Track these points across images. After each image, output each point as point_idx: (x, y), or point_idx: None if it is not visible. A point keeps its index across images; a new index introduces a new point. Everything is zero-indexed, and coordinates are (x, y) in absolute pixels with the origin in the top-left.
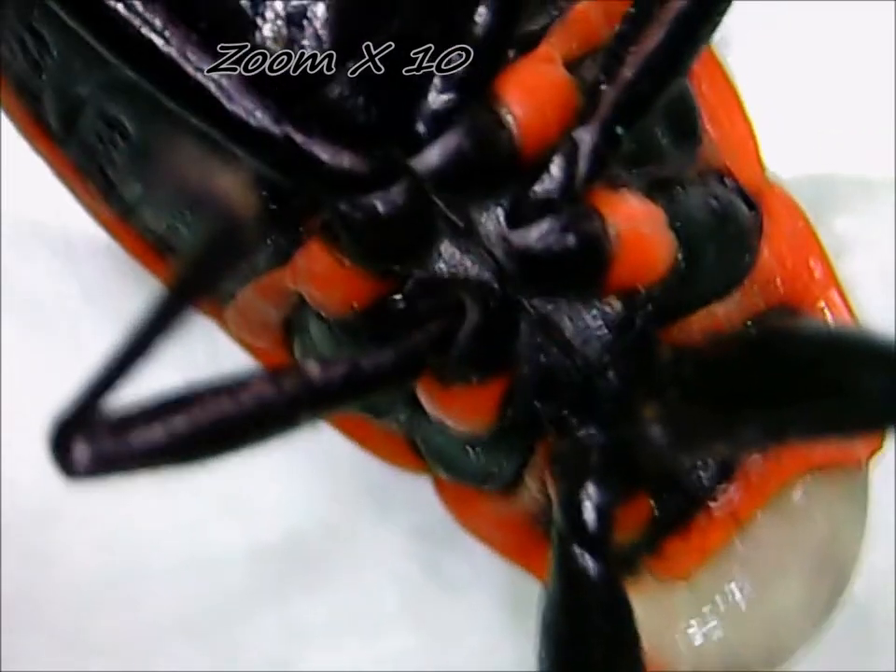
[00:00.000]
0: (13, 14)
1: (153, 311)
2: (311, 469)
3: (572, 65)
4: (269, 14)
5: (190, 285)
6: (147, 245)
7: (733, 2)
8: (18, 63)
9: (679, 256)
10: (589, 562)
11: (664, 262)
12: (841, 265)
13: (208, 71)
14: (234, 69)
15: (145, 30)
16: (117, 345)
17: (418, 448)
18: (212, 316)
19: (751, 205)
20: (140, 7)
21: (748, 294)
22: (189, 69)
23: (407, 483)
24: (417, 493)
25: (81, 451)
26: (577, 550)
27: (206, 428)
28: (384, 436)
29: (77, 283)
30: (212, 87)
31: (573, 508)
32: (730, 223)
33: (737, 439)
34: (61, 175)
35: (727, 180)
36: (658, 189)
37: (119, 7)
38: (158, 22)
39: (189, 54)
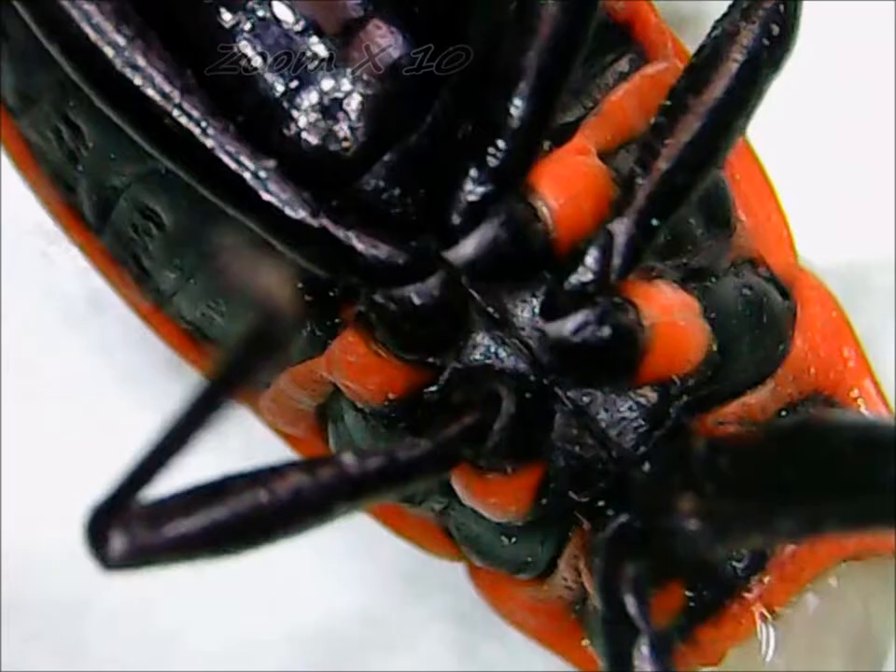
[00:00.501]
0: (49, 105)
1: (192, 402)
2: (346, 554)
3: (607, 156)
4: (304, 105)
5: (229, 377)
6: (181, 332)
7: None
8: (53, 153)
9: (714, 346)
10: (640, 650)
11: (698, 352)
12: (874, 354)
13: (245, 162)
14: (272, 160)
15: (184, 121)
16: (154, 436)
17: (452, 535)
18: (247, 404)
19: (785, 294)
20: (179, 99)
21: (781, 383)
22: (227, 160)
23: (441, 568)
24: (451, 578)
25: (117, 541)
26: (623, 637)
27: (242, 519)
28: (418, 523)
29: (112, 369)
30: (249, 178)
31: (611, 597)
32: (764, 312)
33: (773, 531)
34: (95, 263)
35: (761, 269)
36: (692, 279)
37: (159, 99)
38: (197, 114)
39: (227, 146)
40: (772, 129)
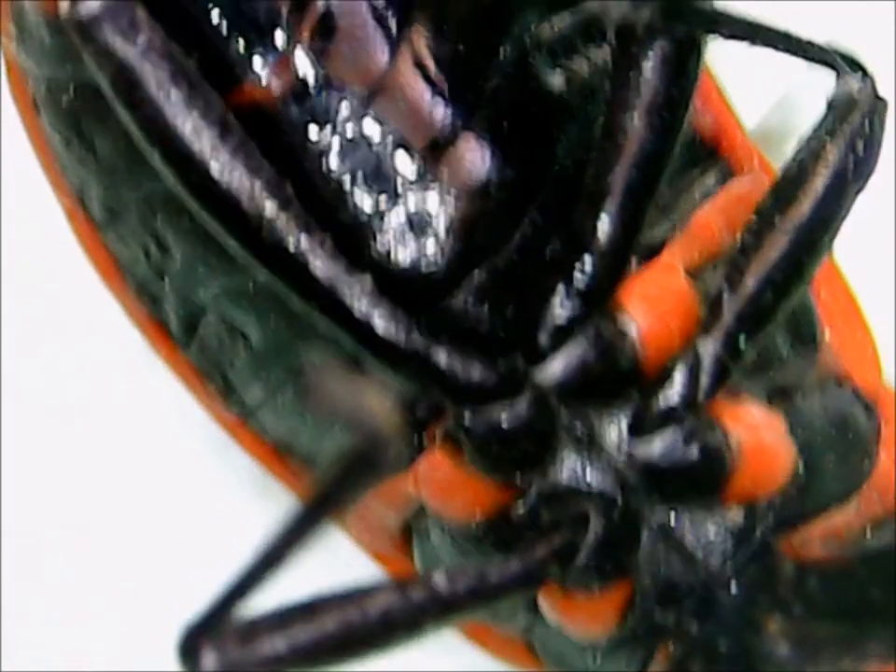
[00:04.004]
0: (136, 220)
1: (288, 523)
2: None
3: (694, 273)
4: (394, 223)
5: (327, 499)
6: (266, 446)
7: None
8: (140, 267)
9: (800, 465)
10: None
11: (784, 472)
12: None
13: (340, 278)
14: (367, 277)
15: (281, 234)
16: (250, 555)
17: (536, 650)
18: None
19: (869, 411)
20: (277, 213)
21: (866, 500)
22: (323, 275)
23: None
24: None
25: (209, 657)
26: None
27: (332, 639)
28: (503, 638)
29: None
30: (343, 294)
31: None
32: (849, 430)
33: (862, 653)
34: (180, 375)
35: (846, 386)
36: (778, 397)
37: (258, 211)
38: (294, 228)
39: (323, 261)
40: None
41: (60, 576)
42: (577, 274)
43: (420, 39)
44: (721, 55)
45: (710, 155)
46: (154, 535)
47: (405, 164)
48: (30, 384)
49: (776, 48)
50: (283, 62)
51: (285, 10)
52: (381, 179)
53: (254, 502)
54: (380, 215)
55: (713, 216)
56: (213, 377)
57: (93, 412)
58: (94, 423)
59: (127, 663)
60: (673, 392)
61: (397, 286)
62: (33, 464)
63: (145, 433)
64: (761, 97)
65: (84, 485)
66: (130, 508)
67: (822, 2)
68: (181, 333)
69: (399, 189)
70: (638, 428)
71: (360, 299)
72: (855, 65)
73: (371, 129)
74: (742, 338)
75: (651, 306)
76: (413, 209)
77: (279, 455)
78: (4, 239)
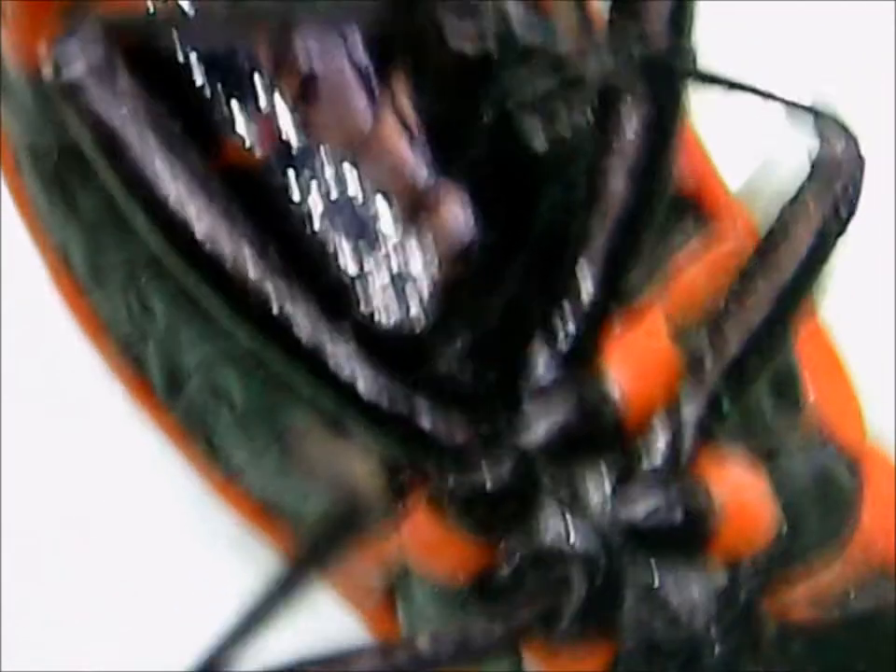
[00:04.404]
0: (120, 281)
1: (271, 584)
2: None
3: (677, 333)
4: (377, 285)
5: (310, 560)
6: (252, 505)
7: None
8: (124, 327)
9: (783, 525)
10: None
11: (767, 531)
12: None
13: (324, 342)
14: (350, 341)
15: (266, 299)
16: (235, 614)
17: None
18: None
19: (853, 470)
20: (261, 277)
21: (850, 560)
22: (307, 339)
23: None
24: None
25: None
26: None
27: None
28: None
29: None
30: (327, 358)
31: None
32: (832, 489)
33: None
34: (164, 434)
35: (829, 445)
36: (761, 456)
37: (242, 276)
38: (279, 293)
39: (307, 325)
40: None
41: (60, 576)
42: (559, 335)
43: (402, 100)
44: (704, 114)
45: (694, 217)
46: (154, 535)
47: (388, 225)
48: (30, 384)
49: (761, 99)
50: (266, 124)
51: (267, 72)
52: (364, 240)
53: None
54: (363, 276)
55: (696, 275)
56: (198, 437)
57: (93, 412)
58: (94, 423)
59: (127, 663)
60: (656, 453)
61: (380, 347)
62: (33, 464)
63: (145, 433)
64: (744, 156)
65: (84, 485)
66: (130, 508)
67: (822, 2)
68: (166, 393)
69: (383, 250)
70: (622, 490)
71: (344, 362)
72: (839, 126)
73: (354, 190)
74: (725, 400)
75: (634, 366)
76: (396, 270)
77: (265, 515)
78: (4, 239)
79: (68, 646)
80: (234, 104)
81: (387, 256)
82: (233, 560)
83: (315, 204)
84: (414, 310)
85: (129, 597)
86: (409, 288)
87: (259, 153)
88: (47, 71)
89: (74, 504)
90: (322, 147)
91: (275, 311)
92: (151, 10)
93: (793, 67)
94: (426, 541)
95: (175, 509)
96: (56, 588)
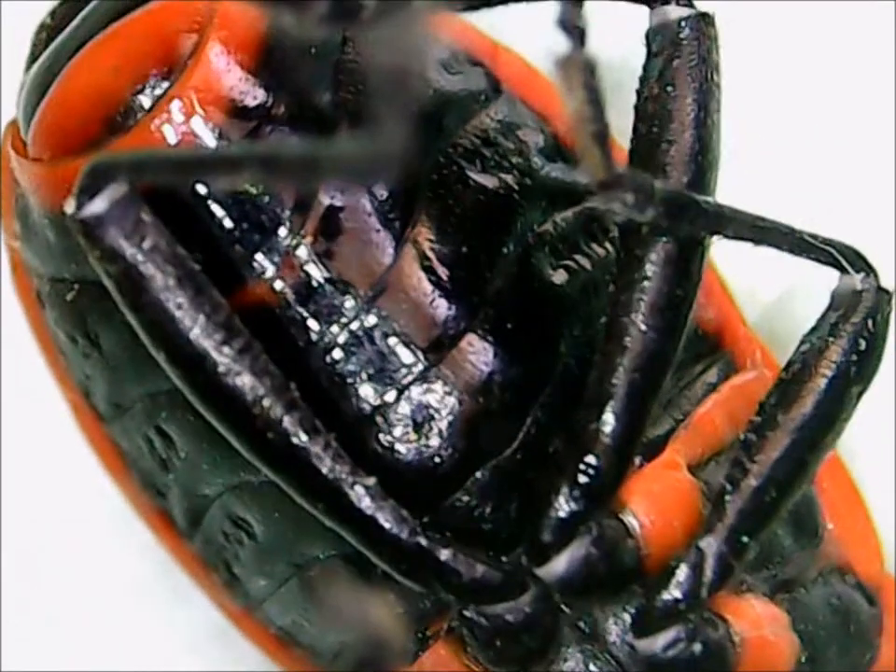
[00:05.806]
0: (141, 414)
1: None
2: None
3: (697, 469)
4: (398, 420)
5: None
6: (269, 636)
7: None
8: (144, 460)
9: (802, 657)
10: None
11: (786, 665)
12: None
13: (345, 478)
14: (371, 478)
15: (287, 435)
16: None
17: None
18: None
19: (871, 601)
20: (283, 414)
21: None
22: (328, 476)
23: None
24: None
25: None
26: None
27: None
28: None
29: None
30: (348, 493)
31: None
32: (851, 622)
33: None
34: (184, 566)
35: (847, 577)
36: (781, 590)
37: (264, 412)
38: (300, 429)
39: (328, 461)
40: (770, 129)
41: (60, 576)
42: (580, 473)
43: (423, 238)
44: (723, 248)
45: (713, 349)
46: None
47: (409, 362)
48: (30, 384)
49: (779, 247)
50: (287, 261)
51: (288, 210)
52: (385, 377)
53: None
54: (384, 412)
55: (716, 410)
56: (217, 568)
57: None
58: None
59: (127, 663)
60: (676, 589)
61: (400, 483)
62: (33, 464)
63: None
64: (763, 290)
65: (84, 485)
66: (130, 508)
67: (822, 2)
68: (185, 525)
69: (403, 387)
70: (642, 625)
71: (364, 498)
72: (859, 260)
73: (375, 327)
74: (745, 536)
75: (654, 503)
76: (416, 407)
77: (284, 645)
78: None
79: (68, 646)
80: (255, 241)
81: (408, 392)
82: None
83: (336, 340)
84: (435, 446)
85: (129, 597)
86: (430, 425)
87: (280, 290)
88: (69, 208)
89: (74, 504)
90: (343, 285)
91: (295, 448)
92: (173, 148)
93: (794, 67)
94: None
95: None
96: (56, 588)
